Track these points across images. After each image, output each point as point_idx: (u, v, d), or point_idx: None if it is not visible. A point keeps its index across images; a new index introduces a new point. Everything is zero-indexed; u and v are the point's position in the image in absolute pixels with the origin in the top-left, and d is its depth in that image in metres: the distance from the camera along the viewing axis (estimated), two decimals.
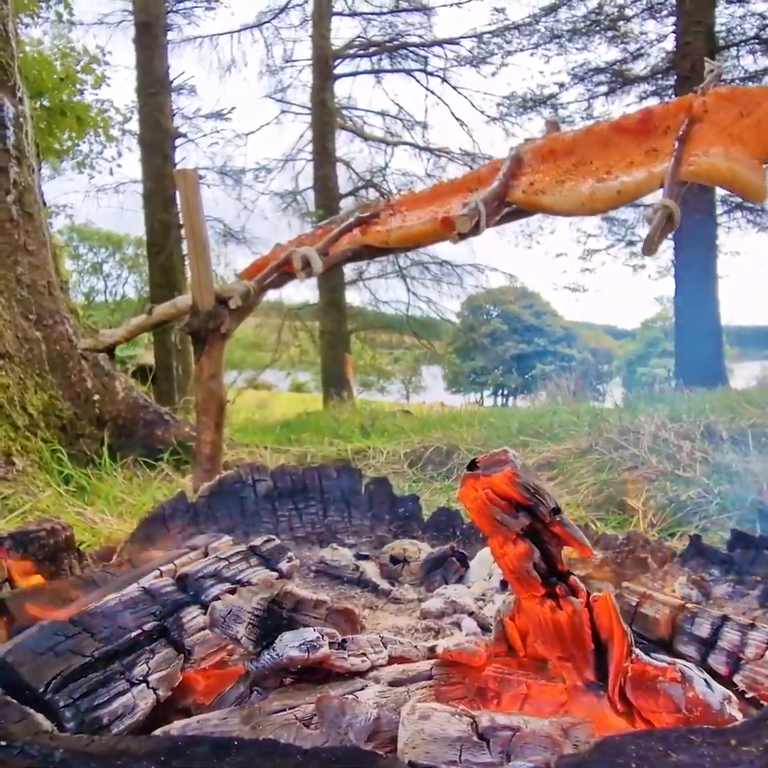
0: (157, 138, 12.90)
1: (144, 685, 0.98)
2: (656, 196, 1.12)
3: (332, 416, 6.60)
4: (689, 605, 1.16)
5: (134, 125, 12.97)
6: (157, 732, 0.89)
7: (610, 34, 13.58)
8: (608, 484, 3.19)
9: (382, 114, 17.09)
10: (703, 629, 1.11)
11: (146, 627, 1.07)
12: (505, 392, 36.49)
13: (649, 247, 1.12)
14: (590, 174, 1.15)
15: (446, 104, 16.58)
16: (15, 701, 0.81)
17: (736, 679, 1.03)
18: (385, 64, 16.79)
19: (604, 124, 1.15)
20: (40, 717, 0.78)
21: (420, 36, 16.39)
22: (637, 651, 0.91)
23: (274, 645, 0.98)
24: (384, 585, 1.68)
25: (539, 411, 5.54)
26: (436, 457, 4.18)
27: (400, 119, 17.05)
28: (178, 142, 14.32)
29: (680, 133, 1.06)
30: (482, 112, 16.02)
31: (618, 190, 1.14)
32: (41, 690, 0.89)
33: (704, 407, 4.00)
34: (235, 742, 0.67)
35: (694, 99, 1.06)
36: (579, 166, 1.17)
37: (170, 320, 2.92)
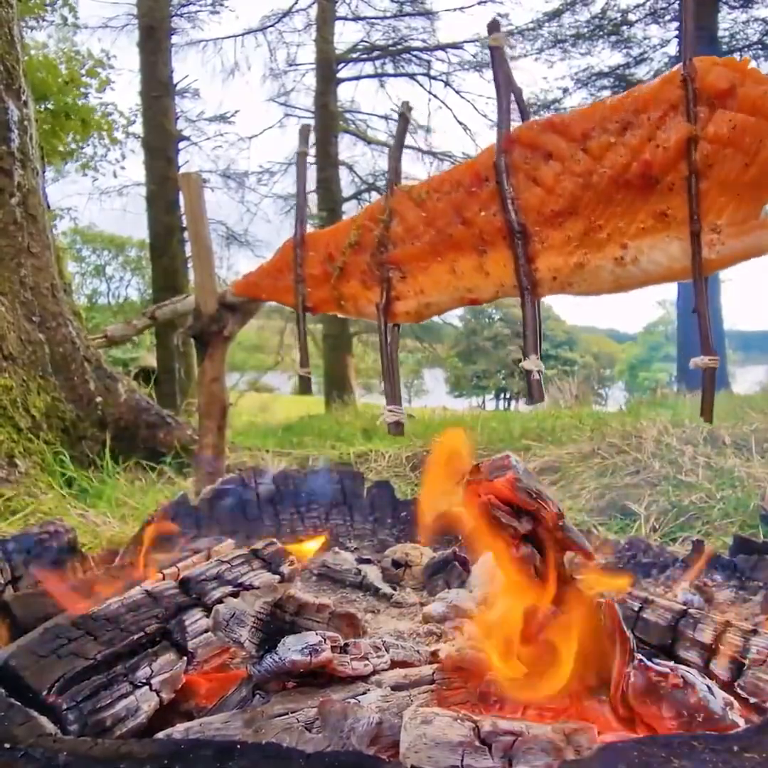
0: (161, 141, 12.93)
1: (147, 687, 0.98)
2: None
3: (334, 419, 6.60)
4: (691, 611, 1.16)
5: (138, 128, 13.03)
6: (160, 735, 0.89)
7: (613, 38, 13.60)
8: (610, 489, 3.19)
9: (385, 117, 17.12)
10: (706, 635, 1.10)
11: (149, 630, 1.07)
12: (508, 396, 36.44)
13: (709, 416, 1.13)
14: (606, 249, 1.13)
15: (449, 108, 16.62)
16: (19, 704, 0.81)
17: (739, 685, 1.02)
18: (389, 68, 16.84)
19: (604, 177, 1.10)
20: (43, 720, 0.78)
21: (423, 40, 16.44)
22: (640, 656, 0.92)
23: (277, 649, 0.98)
24: (386, 589, 1.68)
25: (541, 415, 5.53)
26: None
27: None
28: (181, 145, 14.37)
29: (693, 224, 1.05)
30: (485, 116, 16.04)
31: (642, 281, 1.15)
32: (44, 693, 0.89)
33: None
34: (238, 746, 0.67)
35: (690, 131, 1.04)
36: (590, 234, 1.13)
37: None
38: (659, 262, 1.13)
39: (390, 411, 1.35)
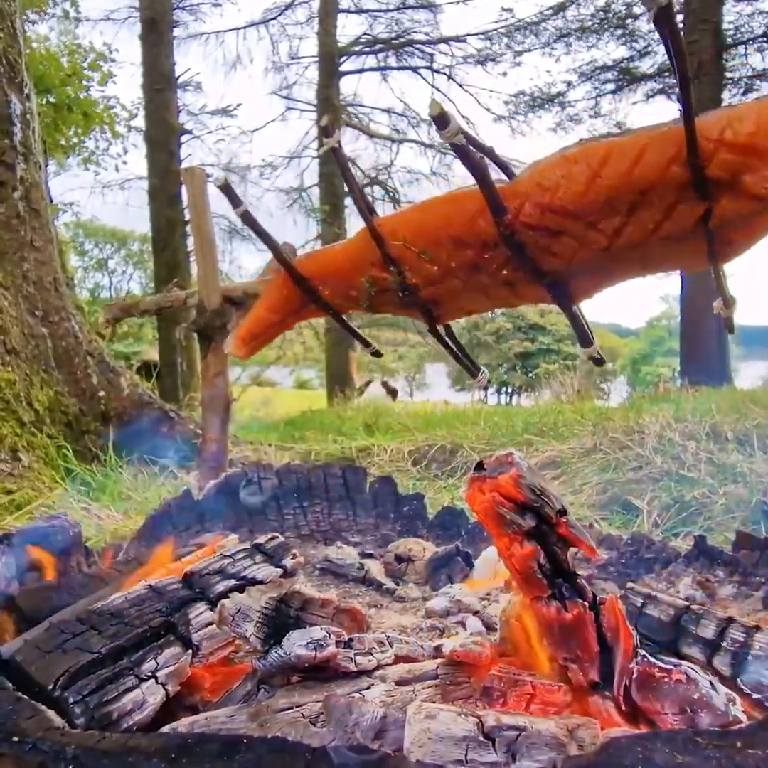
0: (163, 134, 12.92)
1: (153, 680, 0.99)
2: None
3: (336, 414, 6.60)
4: (694, 606, 1.16)
5: (140, 122, 13.00)
6: (166, 729, 0.89)
7: (617, 32, 13.52)
8: (612, 484, 3.19)
9: (388, 111, 17.05)
10: (708, 631, 1.11)
11: (153, 623, 1.08)
12: (510, 390, 36.40)
13: (731, 328, 1.34)
14: (630, 266, 1.23)
15: (452, 102, 16.49)
16: (26, 698, 0.82)
17: (741, 680, 1.03)
18: (391, 61, 16.76)
19: (623, 247, 1.15)
20: (51, 713, 0.79)
21: (426, 33, 16.34)
22: (643, 652, 0.92)
23: (282, 643, 0.99)
24: (389, 584, 1.68)
25: (544, 410, 5.52)
26: (441, 455, 4.18)
27: (406, 116, 17.01)
28: (183, 138, 14.34)
29: (714, 265, 1.11)
30: (488, 110, 15.97)
31: (665, 271, 1.23)
32: (50, 687, 0.90)
33: (709, 407, 3.98)
34: (244, 740, 0.68)
35: (706, 207, 1.07)
36: (613, 263, 1.22)
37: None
38: (679, 263, 1.21)
39: (478, 380, 1.53)
